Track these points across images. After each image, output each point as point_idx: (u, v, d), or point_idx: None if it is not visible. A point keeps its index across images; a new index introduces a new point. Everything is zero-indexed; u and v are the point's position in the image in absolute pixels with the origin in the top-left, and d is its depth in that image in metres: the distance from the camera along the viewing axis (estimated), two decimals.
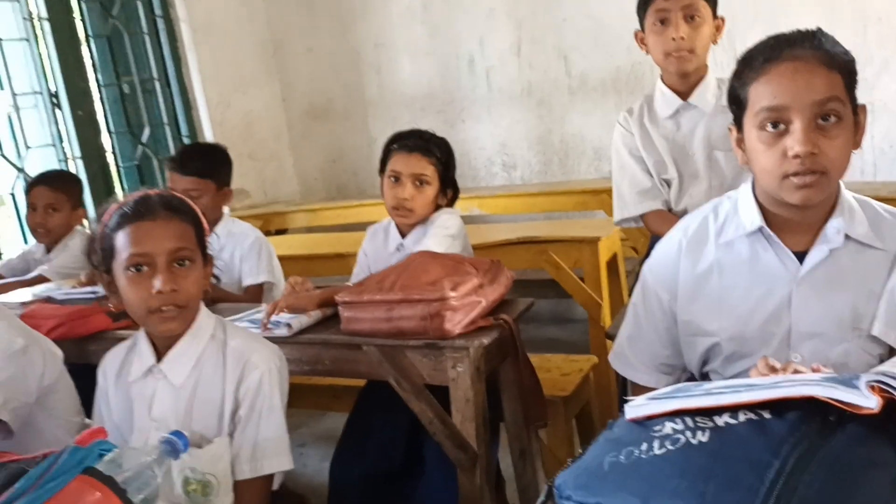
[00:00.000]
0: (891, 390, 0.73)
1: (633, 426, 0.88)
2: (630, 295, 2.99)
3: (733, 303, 1.27)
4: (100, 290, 2.06)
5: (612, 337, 1.64)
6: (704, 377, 1.37)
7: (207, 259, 1.47)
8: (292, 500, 2.56)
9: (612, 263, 2.80)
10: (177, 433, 1.18)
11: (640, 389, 1.41)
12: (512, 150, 4.45)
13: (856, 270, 1.22)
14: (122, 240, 1.38)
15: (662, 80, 2.08)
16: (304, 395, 2.77)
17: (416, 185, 2.10)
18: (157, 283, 1.35)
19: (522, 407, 1.85)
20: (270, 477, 1.44)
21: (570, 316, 4.03)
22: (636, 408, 0.88)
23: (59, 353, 1.67)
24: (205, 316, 1.47)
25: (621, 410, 1.17)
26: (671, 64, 1.97)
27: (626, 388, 1.76)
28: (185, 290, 1.38)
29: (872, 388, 0.75)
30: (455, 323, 1.67)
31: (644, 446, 0.81)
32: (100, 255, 1.43)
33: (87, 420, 1.68)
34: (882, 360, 1.17)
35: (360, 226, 3.97)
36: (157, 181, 4.10)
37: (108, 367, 1.53)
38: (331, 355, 1.84)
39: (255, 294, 2.57)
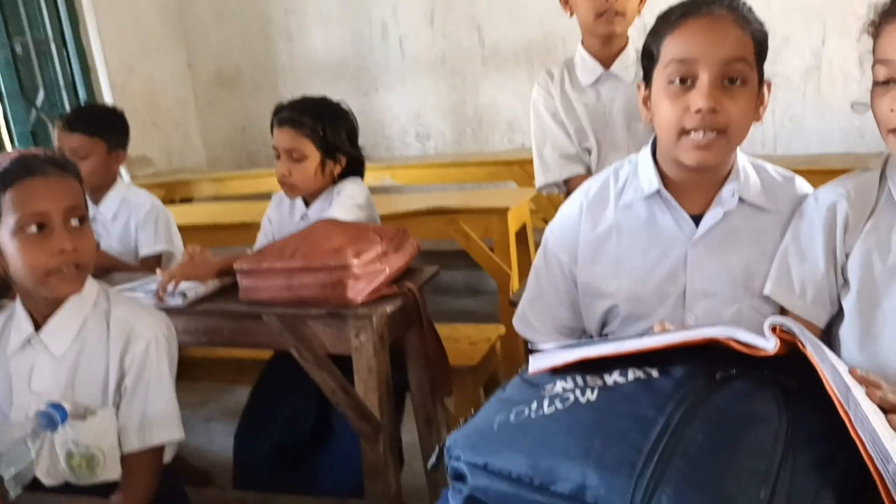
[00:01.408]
0: (792, 334, 0.74)
1: (524, 386, 0.87)
2: None
3: (631, 264, 1.28)
4: None
5: (515, 304, 1.63)
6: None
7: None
8: (197, 475, 2.49)
9: (522, 234, 2.80)
10: (54, 405, 1.12)
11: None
12: (426, 121, 4.41)
13: (749, 232, 1.25)
14: (11, 200, 1.28)
15: (584, 45, 2.06)
16: (209, 369, 2.70)
17: (293, 160, 2.05)
18: (60, 243, 1.27)
19: (428, 375, 1.83)
20: (161, 449, 1.39)
21: (482, 287, 4.04)
22: (540, 358, 0.87)
23: None
24: (88, 283, 1.39)
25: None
26: (600, 25, 1.93)
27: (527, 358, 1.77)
28: (85, 249, 1.31)
29: (773, 329, 0.76)
30: (357, 291, 1.63)
31: (534, 405, 0.80)
32: None
33: None
34: None
35: (268, 195, 3.89)
36: (52, 147, 3.89)
37: None
38: (230, 326, 1.78)
39: (152, 265, 2.46)
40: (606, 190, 1.36)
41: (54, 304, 1.35)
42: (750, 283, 1.23)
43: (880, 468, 0.68)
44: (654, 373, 0.80)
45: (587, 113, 2.06)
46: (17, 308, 1.39)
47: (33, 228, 1.28)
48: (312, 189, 2.07)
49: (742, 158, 1.30)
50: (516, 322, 1.47)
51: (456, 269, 3.63)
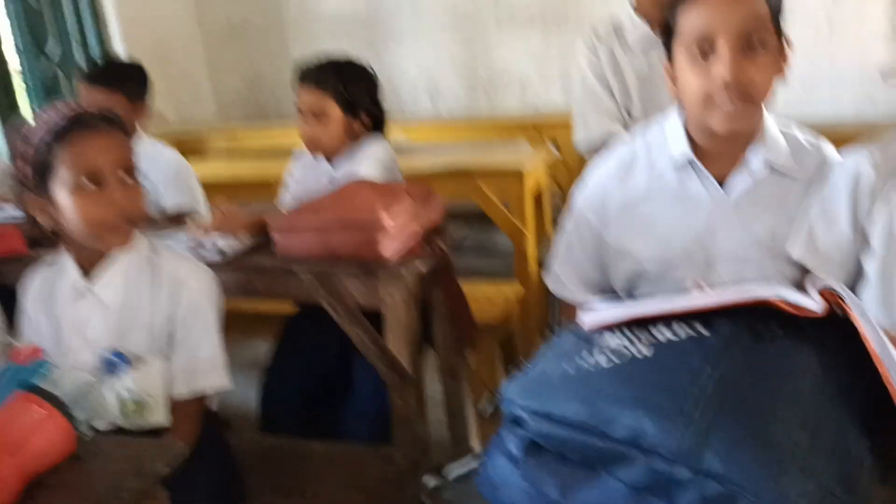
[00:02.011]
0: (840, 298, 0.79)
1: (578, 341, 0.92)
2: (554, 226, 3.06)
3: (659, 228, 1.32)
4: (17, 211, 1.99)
5: (542, 263, 1.69)
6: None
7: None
8: (218, 424, 2.57)
9: (538, 196, 2.85)
10: (116, 352, 1.17)
11: (571, 308, 1.48)
12: (437, 80, 4.41)
13: (776, 198, 1.29)
14: (66, 155, 1.32)
15: (636, 10, 2.04)
16: (228, 322, 2.74)
17: (315, 118, 2.08)
18: (113, 197, 1.32)
19: (454, 330, 1.90)
20: (205, 397, 1.45)
21: (491, 247, 4.09)
22: (593, 316, 0.93)
23: None
24: (136, 235, 1.44)
25: (549, 332, 1.23)
26: None
27: (553, 313, 1.83)
28: (136, 203, 1.37)
29: (822, 293, 0.81)
30: (390, 249, 1.69)
31: (591, 359, 0.86)
32: (31, 176, 1.37)
33: (10, 340, 1.64)
34: (797, 284, 1.25)
35: (283, 150, 3.90)
36: (65, 99, 3.90)
37: (30, 289, 1.48)
38: (263, 281, 1.83)
39: (177, 221, 2.51)
40: (636, 155, 1.40)
41: (102, 256, 1.40)
42: (776, 247, 1.28)
43: None
44: (703, 330, 0.86)
45: (637, 80, 2.07)
46: (65, 259, 1.44)
47: (88, 183, 1.33)
48: (336, 147, 2.11)
49: (771, 122, 1.33)
50: (548, 279, 1.52)
51: (467, 228, 3.69)
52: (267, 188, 2.97)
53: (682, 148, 1.33)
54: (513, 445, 0.86)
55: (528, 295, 2.65)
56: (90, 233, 1.36)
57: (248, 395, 2.25)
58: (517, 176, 2.67)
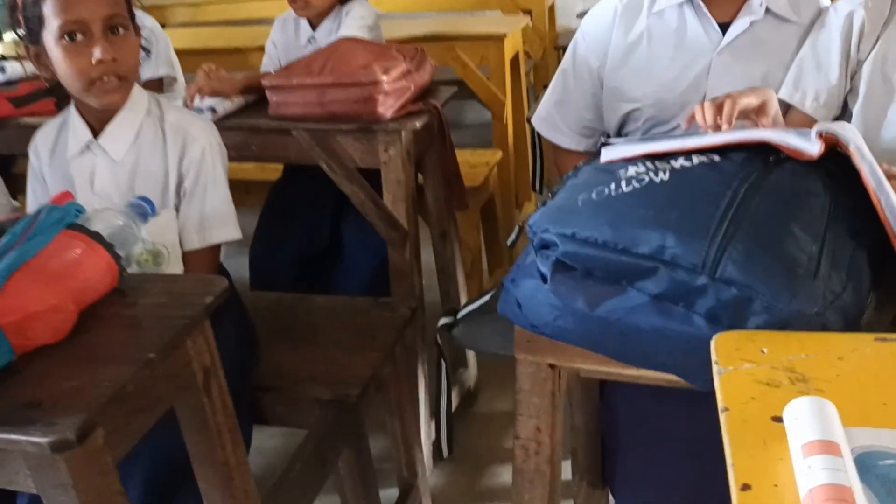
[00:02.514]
0: (836, 136, 0.86)
1: (597, 171, 0.99)
2: (528, 94, 3.08)
3: (658, 71, 1.38)
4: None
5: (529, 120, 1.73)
6: None
7: (137, 30, 1.42)
8: (227, 277, 2.61)
9: (515, 62, 2.86)
10: (142, 198, 1.21)
11: (563, 152, 1.57)
12: None
13: (772, 42, 1.35)
14: (52, 6, 1.31)
15: None
16: None
17: None
18: (97, 53, 1.30)
19: (445, 191, 1.96)
20: (218, 248, 1.50)
21: (468, 117, 4.10)
22: (611, 149, 0.99)
23: None
24: (138, 91, 1.44)
25: (537, 192, 1.30)
26: None
27: (539, 174, 1.90)
28: (125, 60, 1.35)
29: (820, 135, 0.88)
30: (387, 107, 1.72)
31: (612, 186, 0.93)
32: (24, 25, 1.36)
33: (13, 202, 1.65)
34: None
35: (247, 22, 3.81)
36: None
37: (41, 145, 1.49)
38: (258, 141, 1.85)
39: (155, 89, 2.47)
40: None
41: (108, 113, 1.41)
42: (767, 86, 1.34)
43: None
44: (716, 157, 0.93)
45: None
46: (73, 115, 1.44)
47: (74, 36, 1.31)
48: (325, 6, 2.09)
49: None
50: (538, 122, 1.57)
51: None
52: (239, 55, 2.94)
53: None
54: (542, 265, 0.94)
55: (506, 160, 2.72)
56: (77, 87, 1.36)
57: (237, 263, 2.31)
58: (497, 41, 2.67)
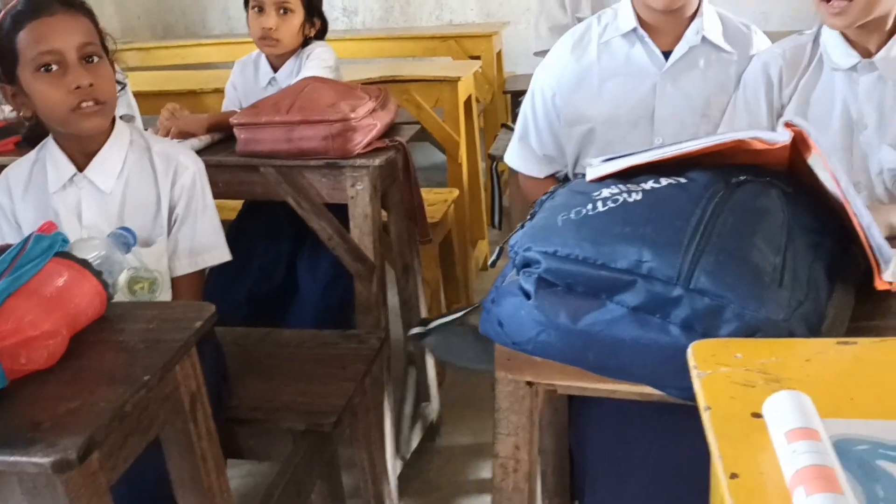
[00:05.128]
0: (802, 129, 0.94)
1: (573, 193, 1.05)
2: (481, 135, 3.18)
3: (609, 91, 1.55)
4: None
5: (494, 157, 1.85)
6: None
7: (112, 61, 1.45)
8: None
9: (468, 104, 2.95)
10: (124, 228, 1.22)
11: (529, 181, 1.72)
12: None
13: (711, 69, 1.53)
14: (25, 40, 1.33)
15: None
16: None
17: (280, 14, 2.10)
18: (75, 79, 1.33)
19: (409, 225, 2.01)
20: (203, 272, 1.53)
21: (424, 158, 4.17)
22: (595, 169, 1.06)
23: None
24: (120, 123, 1.47)
25: (496, 227, 1.44)
26: None
27: (493, 211, 2.00)
28: (102, 86, 1.37)
29: (787, 125, 0.96)
30: (355, 143, 1.77)
31: (589, 206, 0.99)
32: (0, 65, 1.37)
33: None
34: None
35: (198, 66, 3.84)
36: None
37: (13, 184, 1.48)
38: (225, 178, 1.87)
39: None
40: (590, 30, 1.60)
41: (92, 145, 1.43)
42: (708, 111, 1.52)
43: (866, 232, 0.93)
44: (682, 179, 1.00)
45: None
46: (52, 150, 1.45)
47: (49, 67, 1.34)
48: (291, 46, 2.14)
49: (707, 4, 1.55)
50: (508, 157, 1.71)
51: None
52: (194, 97, 2.96)
53: (629, 20, 1.54)
54: (526, 283, 0.99)
55: (461, 199, 2.79)
56: (56, 118, 1.38)
57: None
58: (451, 84, 2.76)
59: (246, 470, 2.11)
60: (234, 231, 2.33)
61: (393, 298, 2.13)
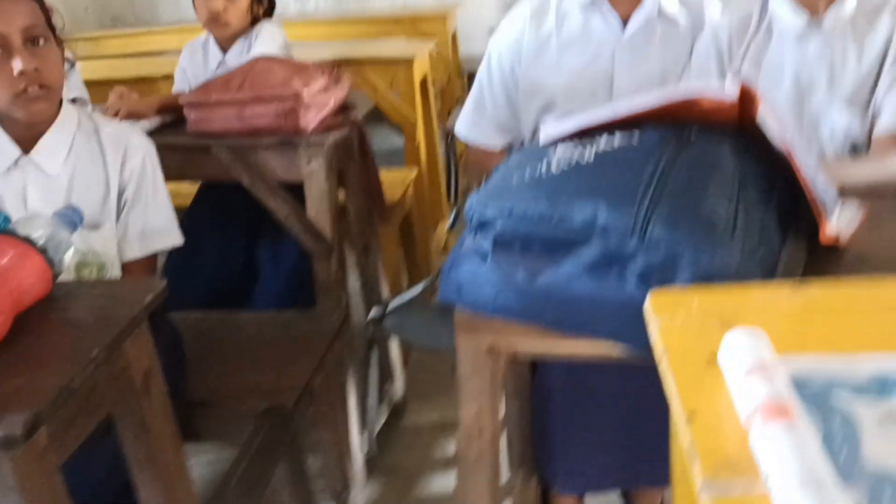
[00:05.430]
0: (748, 84, 0.94)
1: (527, 156, 1.05)
2: (440, 118, 3.16)
3: (567, 62, 1.54)
4: None
5: (450, 132, 1.83)
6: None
7: (59, 42, 1.41)
8: None
9: (423, 84, 2.93)
10: (70, 207, 1.18)
11: (485, 155, 1.69)
12: None
13: (665, 40, 1.52)
14: None
15: None
16: None
17: None
18: (18, 64, 1.28)
19: (367, 203, 1.99)
20: (156, 256, 1.49)
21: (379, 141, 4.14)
22: (550, 127, 1.05)
23: None
24: (68, 106, 1.43)
25: (453, 203, 1.44)
26: None
27: (450, 188, 2.00)
28: (48, 70, 1.33)
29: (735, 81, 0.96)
30: (308, 120, 1.74)
31: (544, 166, 0.98)
32: None
33: None
34: None
35: (149, 54, 3.76)
36: None
37: None
38: (177, 159, 1.82)
39: None
40: (548, 2, 1.58)
41: (37, 127, 1.39)
42: (665, 82, 1.50)
43: (810, 183, 0.93)
44: (635, 138, 1.00)
45: None
46: None
47: None
48: (240, 27, 2.11)
49: None
50: (459, 128, 1.69)
51: None
52: (146, 84, 2.90)
53: None
54: (483, 242, 0.98)
55: (420, 179, 2.77)
56: (4, 100, 1.33)
57: None
58: (406, 64, 2.74)
59: (209, 458, 2.08)
60: (188, 218, 2.29)
61: (355, 284, 2.12)
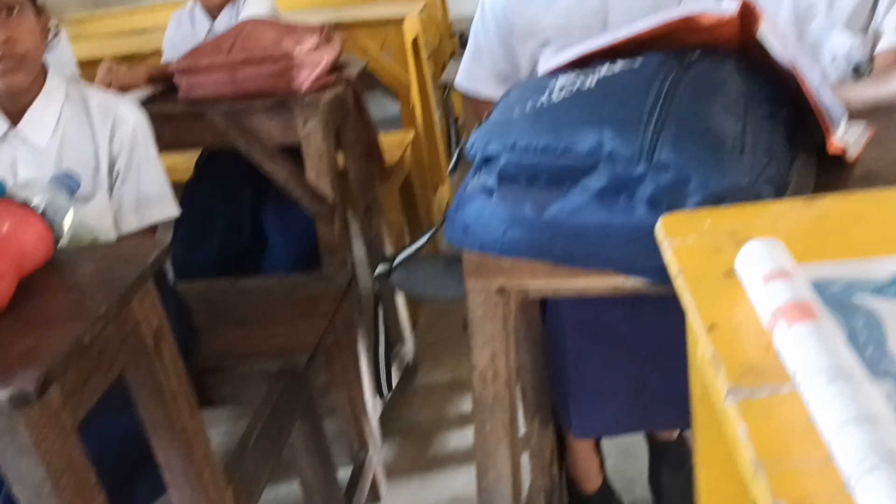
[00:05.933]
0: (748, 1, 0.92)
1: (526, 88, 1.03)
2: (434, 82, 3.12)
3: (560, 1, 1.47)
4: None
5: (445, 85, 1.79)
6: None
7: (40, 11, 1.38)
8: None
9: (415, 45, 2.89)
10: (65, 173, 1.17)
11: (482, 105, 1.62)
12: None
13: None
14: None
15: None
16: None
17: None
18: None
19: (366, 164, 1.97)
20: (155, 228, 1.47)
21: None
22: (549, 60, 1.03)
23: None
24: (54, 77, 1.40)
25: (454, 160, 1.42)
26: None
27: (450, 140, 1.96)
28: (21, 39, 1.30)
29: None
30: (302, 80, 1.72)
31: (545, 97, 0.96)
32: None
33: None
34: None
35: (135, 32, 3.72)
36: None
37: None
38: (170, 129, 1.81)
39: None
40: None
41: (21, 99, 1.36)
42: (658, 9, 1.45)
43: (815, 94, 0.91)
44: (636, 63, 0.98)
45: None
46: None
47: None
48: None
49: None
50: (459, 79, 1.63)
51: None
52: (135, 61, 2.86)
53: None
54: (488, 179, 0.97)
55: (417, 140, 2.75)
56: None
57: None
58: (396, 24, 2.70)
59: (226, 427, 2.08)
60: (192, 190, 2.28)
61: (360, 248, 2.11)
